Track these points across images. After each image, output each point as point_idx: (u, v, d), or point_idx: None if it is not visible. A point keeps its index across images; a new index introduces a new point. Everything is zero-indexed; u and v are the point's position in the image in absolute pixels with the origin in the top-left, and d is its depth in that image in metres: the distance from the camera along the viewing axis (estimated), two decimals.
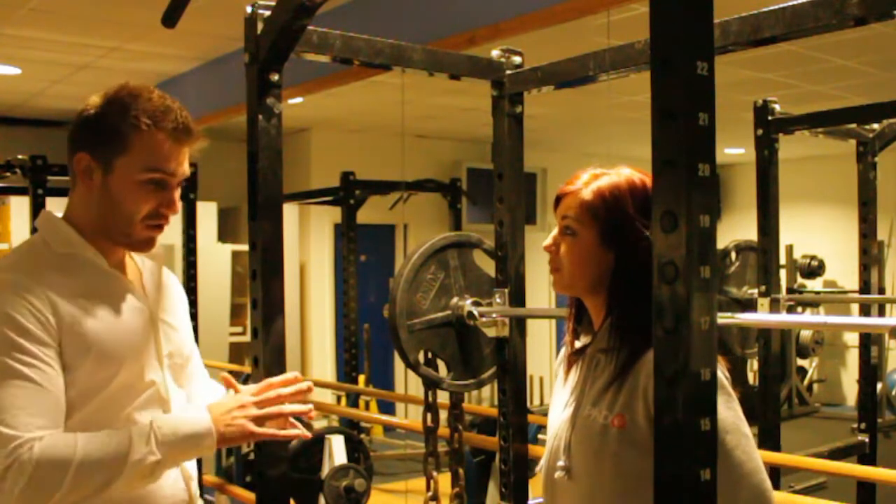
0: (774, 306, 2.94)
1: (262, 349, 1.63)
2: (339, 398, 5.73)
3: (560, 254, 1.47)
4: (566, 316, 1.58)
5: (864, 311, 3.44)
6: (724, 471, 1.28)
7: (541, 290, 8.53)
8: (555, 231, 1.50)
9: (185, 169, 1.55)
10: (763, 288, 2.99)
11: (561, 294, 1.54)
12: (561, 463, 1.45)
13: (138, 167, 1.50)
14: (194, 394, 1.68)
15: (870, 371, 3.44)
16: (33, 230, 4.11)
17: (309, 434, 1.56)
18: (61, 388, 1.41)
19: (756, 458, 1.33)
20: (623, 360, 1.40)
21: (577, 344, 1.54)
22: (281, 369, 1.62)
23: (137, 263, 1.64)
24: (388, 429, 7.04)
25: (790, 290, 7.51)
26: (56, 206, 1.64)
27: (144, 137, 1.49)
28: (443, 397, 2.36)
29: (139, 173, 1.50)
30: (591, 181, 1.47)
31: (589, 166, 1.51)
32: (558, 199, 1.50)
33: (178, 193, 1.56)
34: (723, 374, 1.37)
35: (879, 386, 5.14)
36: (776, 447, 3.05)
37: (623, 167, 1.48)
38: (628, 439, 1.36)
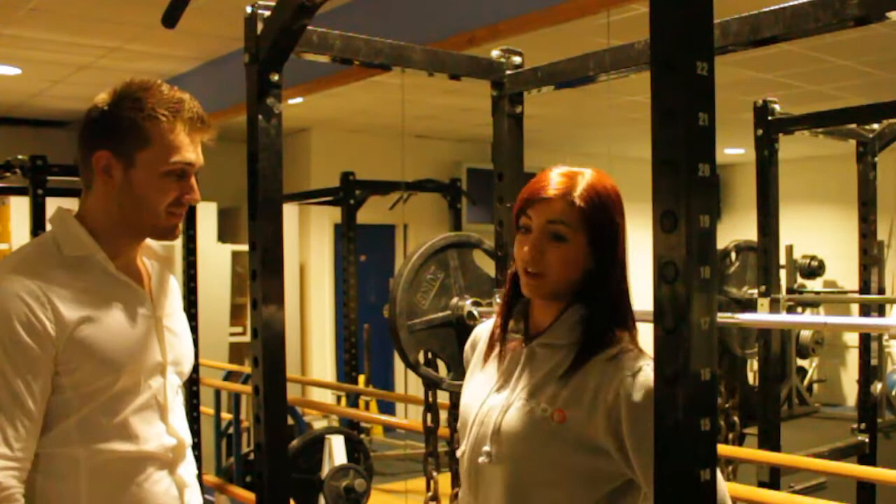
0: (774, 306, 2.94)
1: (262, 349, 1.63)
2: (339, 398, 5.73)
3: (545, 259, 1.40)
4: (497, 311, 1.54)
5: (864, 311, 3.44)
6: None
7: None
8: (532, 236, 1.42)
9: (201, 157, 1.57)
10: (763, 288, 2.99)
11: (536, 299, 1.46)
12: (486, 448, 1.43)
13: (160, 159, 1.50)
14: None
15: (870, 371, 3.44)
16: (35, 230, 4.08)
17: None
18: (41, 408, 1.43)
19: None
20: (575, 357, 1.39)
21: (515, 336, 1.51)
22: (281, 369, 1.62)
23: (147, 266, 1.64)
24: (388, 429, 7.03)
25: (790, 290, 7.50)
26: (56, 207, 1.63)
27: (164, 129, 1.50)
28: (443, 397, 2.36)
29: (161, 165, 1.51)
30: (572, 184, 1.42)
31: (552, 166, 1.46)
32: (532, 202, 1.43)
33: (195, 181, 1.57)
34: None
35: (879, 386, 5.14)
36: (776, 447, 3.05)
37: (586, 168, 1.45)
38: (564, 434, 1.36)
